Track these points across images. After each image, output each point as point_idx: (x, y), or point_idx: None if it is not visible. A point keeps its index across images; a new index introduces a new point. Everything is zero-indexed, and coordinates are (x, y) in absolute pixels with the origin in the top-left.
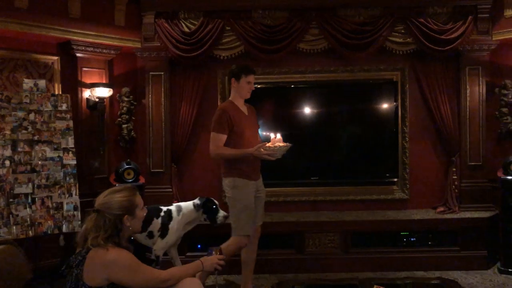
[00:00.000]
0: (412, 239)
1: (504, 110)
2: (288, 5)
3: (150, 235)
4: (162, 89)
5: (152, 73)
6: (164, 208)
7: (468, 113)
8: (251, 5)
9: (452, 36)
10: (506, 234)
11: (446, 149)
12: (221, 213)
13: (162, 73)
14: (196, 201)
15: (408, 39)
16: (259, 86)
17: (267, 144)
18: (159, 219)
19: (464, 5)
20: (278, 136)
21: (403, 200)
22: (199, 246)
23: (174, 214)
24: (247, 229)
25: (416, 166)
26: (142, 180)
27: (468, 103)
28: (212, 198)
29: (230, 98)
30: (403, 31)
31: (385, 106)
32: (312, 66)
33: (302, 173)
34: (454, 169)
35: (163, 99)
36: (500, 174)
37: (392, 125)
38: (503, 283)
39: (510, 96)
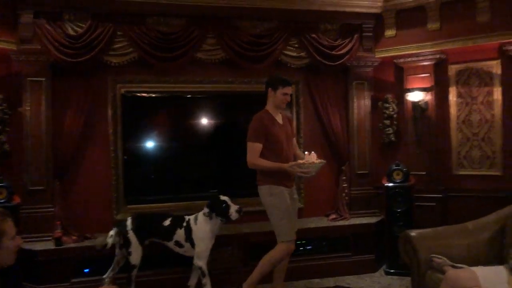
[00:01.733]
0: (308, 247)
1: (387, 122)
2: (184, 12)
3: (179, 245)
4: (43, 97)
5: (30, 78)
6: (187, 218)
7: (355, 124)
8: (145, 11)
9: (341, 52)
10: (391, 238)
11: (337, 158)
12: (233, 208)
13: (43, 79)
14: (205, 209)
15: (302, 53)
16: (154, 95)
17: (301, 161)
18: (182, 230)
19: (351, 23)
20: (313, 153)
21: (299, 209)
22: (86, 270)
23: (192, 223)
24: (291, 234)
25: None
26: (17, 199)
27: (355, 116)
28: (219, 196)
29: (266, 107)
30: (297, 45)
31: None
32: (209, 76)
33: (200, 186)
34: (344, 177)
35: (44, 108)
36: (384, 181)
37: None
38: (389, 284)
39: (391, 109)
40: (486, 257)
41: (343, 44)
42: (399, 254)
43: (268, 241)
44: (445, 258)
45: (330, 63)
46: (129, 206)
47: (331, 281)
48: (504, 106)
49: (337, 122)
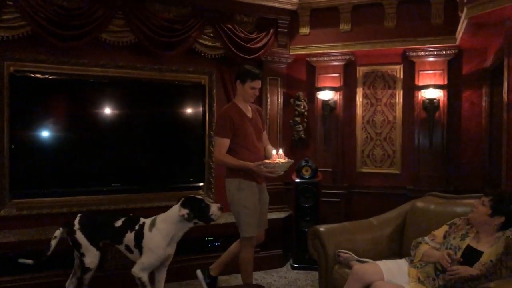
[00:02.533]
0: (216, 244)
1: (297, 119)
2: None
3: (129, 250)
4: None
5: None
6: (141, 221)
7: (268, 120)
8: None
9: (257, 45)
10: (298, 233)
11: None
12: (213, 206)
13: None
14: (182, 211)
15: (217, 44)
16: (51, 77)
17: (268, 161)
18: (133, 234)
19: (267, 17)
20: (280, 151)
21: None
22: None
23: (146, 230)
24: (255, 230)
25: (222, 170)
26: None
27: (268, 111)
28: (192, 196)
29: (234, 100)
30: (212, 34)
31: (192, 109)
32: (116, 60)
33: (101, 180)
34: None
35: None
36: (294, 177)
37: (199, 128)
38: (296, 278)
39: (302, 107)
40: (388, 250)
41: (259, 38)
42: (305, 249)
43: None
44: (351, 253)
45: (246, 56)
46: (15, 201)
47: (238, 277)
48: (404, 109)
49: None
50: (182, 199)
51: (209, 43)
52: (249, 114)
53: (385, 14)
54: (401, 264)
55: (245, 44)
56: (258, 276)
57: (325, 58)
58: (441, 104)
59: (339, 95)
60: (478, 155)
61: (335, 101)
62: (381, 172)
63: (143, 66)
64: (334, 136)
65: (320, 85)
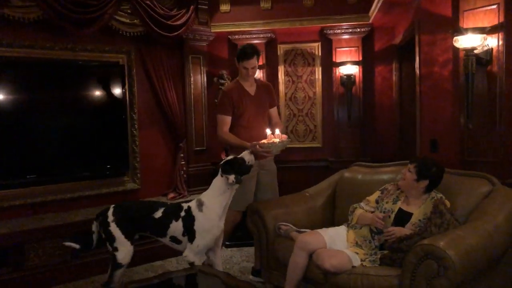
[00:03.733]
0: None
1: None
2: None
3: (176, 241)
4: None
5: None
6: (185, 206)
7: (192, 100)
8: None
9: (177, 23)
10: None
11: (174, 135)
12: (245, 155)
13: None
14: (231, 177)
15: (136, 21)
16: None
17: (264, 141)
18: (179, 222)
19: None
20: (277, 131)
21: (134, 190)
22: None
23: (195, 212)
24: (240, 205)
25: (147, 155)
26: None
27: (192, 91)
28: (226, 160)
29: (237, 78)
30: (129, 11)
31: (112, 91)
32: (21, 38)
33: (14, 172)
34: (182, 154)
35: None
36: (223, 156)
37: (120, 112)
38: (231, 256)
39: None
40: (322, 219)
41: (179, 15)
42: (236, 226)
43: None
44: (291, 225)
45: (166, 34)
46: None
47: (173, 262)
48: (323, 85)
49: (174, 97)
50: (221, 167)
51: (127, 20)
52: (252, 92)
53: None
54: (340, 231)
55: (165, 21)
56: None
57: (247, 36)
58: (357, 79)
59: (262, 73)
60: (391, 126)
61: (259, 79)
62: (304, 146)
63: (54, 45)
64: None
65: None
